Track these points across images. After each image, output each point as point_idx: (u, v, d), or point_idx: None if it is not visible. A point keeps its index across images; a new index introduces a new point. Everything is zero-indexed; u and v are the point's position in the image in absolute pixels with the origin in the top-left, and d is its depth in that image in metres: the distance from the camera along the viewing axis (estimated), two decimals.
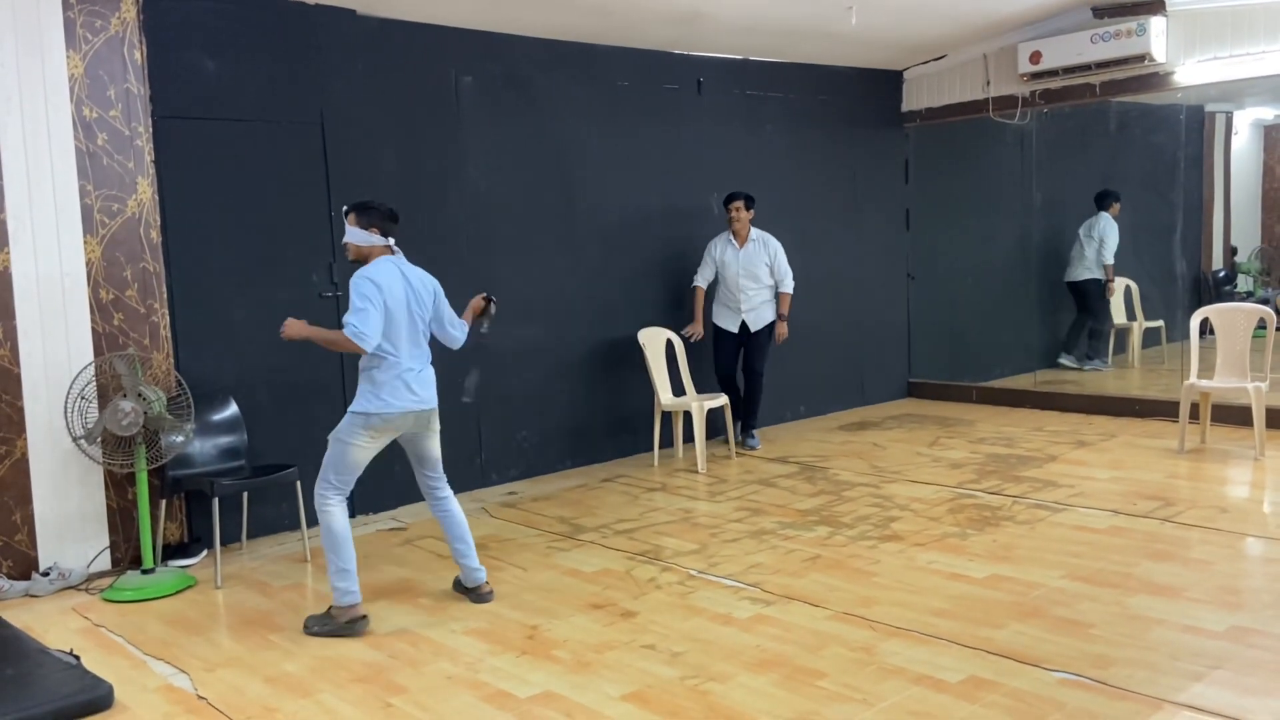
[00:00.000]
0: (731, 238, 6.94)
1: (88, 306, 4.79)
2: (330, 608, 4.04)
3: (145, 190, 4.93)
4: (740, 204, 6.90)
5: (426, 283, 4.18)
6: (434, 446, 4.28)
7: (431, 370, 4.19)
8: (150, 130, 4.94)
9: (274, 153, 5.42)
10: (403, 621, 4.12)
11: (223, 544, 4.83)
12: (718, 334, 7.08)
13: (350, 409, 4.07)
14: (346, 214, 4.11)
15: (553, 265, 6.63)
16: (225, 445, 5.13)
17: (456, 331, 4.33)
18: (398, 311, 4.00)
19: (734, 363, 7.06)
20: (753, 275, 6.92)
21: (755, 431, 7.20)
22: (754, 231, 6.97)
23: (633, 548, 4.97)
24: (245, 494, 5.19)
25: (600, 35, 6.63)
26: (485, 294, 4.50)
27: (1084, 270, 8.80)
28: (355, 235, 4.04)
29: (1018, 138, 8.25)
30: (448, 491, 4.39)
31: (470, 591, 4.35)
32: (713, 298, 7.16)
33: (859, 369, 8.61)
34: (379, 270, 3.99)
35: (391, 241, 4.09)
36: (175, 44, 5.06)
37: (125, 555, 4.89)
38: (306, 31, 5.48)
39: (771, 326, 7.03)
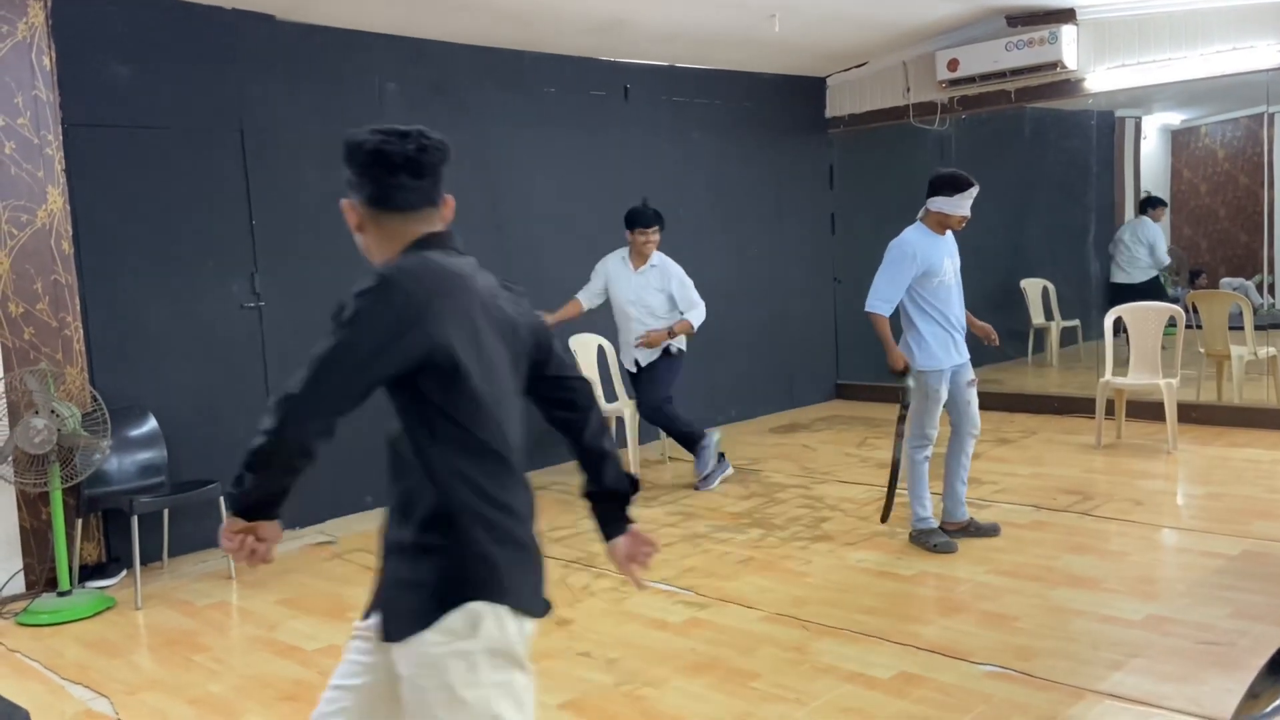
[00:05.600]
0: (628, 258, 6.23)
1: None
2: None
3: (56, 200, 4.77)
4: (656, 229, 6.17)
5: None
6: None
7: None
8: (60, 138, 4.79)
9: (191, 161, 5.30)
10: (332, 637, 4.05)
11: (143, 563, 4.69)
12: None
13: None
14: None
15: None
16: (144, 461, 4.99)
17: None
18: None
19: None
20: (645, 305, 6.18)
21: (703, 451, 6.22)
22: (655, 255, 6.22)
23: (567, 555, 4.96)
24: (166, 511, 5.05)
25: (525, 42, 6.62)
26: None
27: (1140, 272, 8.83)
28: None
29: (938, 143, 8.43)
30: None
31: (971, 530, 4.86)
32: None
33: (788, 372, 8.71)
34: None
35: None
36: (86, 49, 4.91)
37: (40, 577, 4.72)
38: (224, 37, 5.37)
39: (661, 360, 6.19)
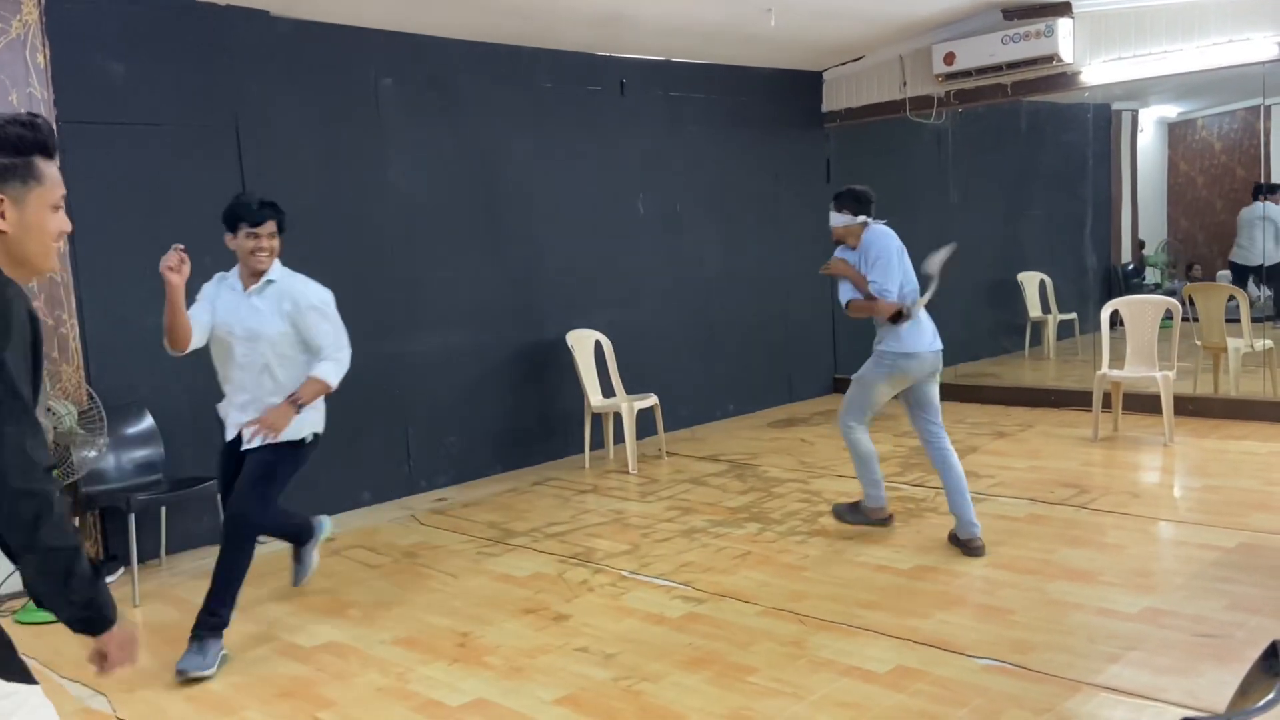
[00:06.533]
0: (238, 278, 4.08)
1: None
2: (861, 504, 4.84)
3: None
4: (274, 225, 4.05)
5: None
6: (935, 393, 4.71)
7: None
8: (55, 136, 4.77)
9: (187, 158, 5.29)
10: (330, 634, 4.05)
11: (140, 561, 4.70)
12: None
13: (879, 350, 4.64)
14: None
15: (479, 268, 6.58)
16: (141, 459, 4.98)
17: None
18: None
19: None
20: (261, 339, 3.99)
21: (307, 553, 4.38)
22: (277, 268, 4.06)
23: (564, 551, 4.96)
24: (163, 509, 5.05)
25: (521, 37, 6.60)
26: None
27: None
28: (833, 219, 4.73)
29: (935, 137, 8.43)
30: (947, 440, 4.68)
31: (963, 544, 4.57)
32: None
33: (786, 366, 8.71)
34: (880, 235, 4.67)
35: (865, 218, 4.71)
36: (80, 46, 4.90)
37: None
38: (219, 33, 5.35)
39: (283, 448, 3.93)
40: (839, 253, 4.80)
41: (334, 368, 3.97)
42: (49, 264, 1.76)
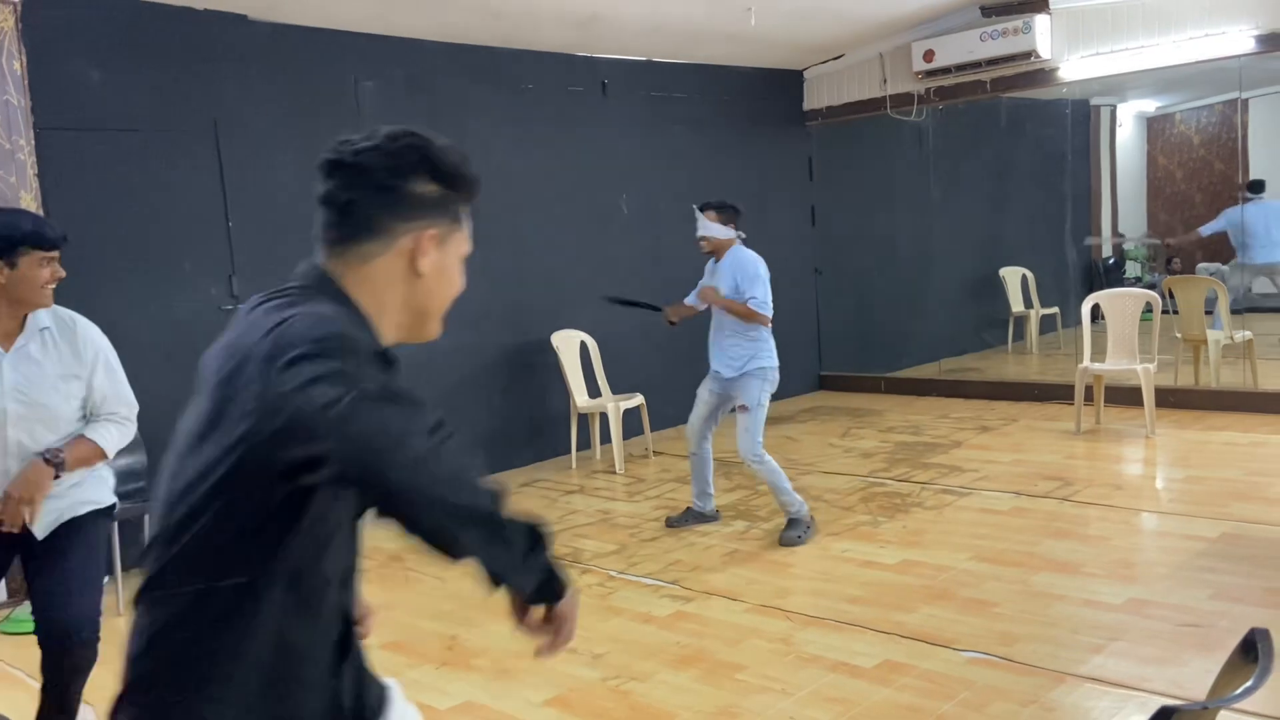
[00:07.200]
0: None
1: None
2: (797, 519, 4.78)
3: (29, 205, 4.73)
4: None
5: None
6: None
7: None
8: (32, 143, 4.74)
9: (166, 164, 5.26)
10: None
11: (124, 569, 4.67)
12: None
13: (755, 369, 4.97)
14: (703, 210, 4.83)
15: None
16: (123, 467, 4.93)
17: None
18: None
19: None
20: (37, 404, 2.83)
21: None
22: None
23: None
24: (146, 517, 5.02)
25: (501, 38, 6.60)
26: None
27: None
28: (714, 230, 4.82)
29: (915, 134, 8.47)
30: None
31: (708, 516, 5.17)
32: None
33: None
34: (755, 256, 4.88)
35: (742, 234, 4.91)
36: (57, 53, 4.87)
37: (22, 586, 4.68)
38: (196, 38, 5.33)
39: (86, 526, 2.95)
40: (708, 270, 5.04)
41: (117, 432, 2.96)
42: (438, 327, 1.47)
